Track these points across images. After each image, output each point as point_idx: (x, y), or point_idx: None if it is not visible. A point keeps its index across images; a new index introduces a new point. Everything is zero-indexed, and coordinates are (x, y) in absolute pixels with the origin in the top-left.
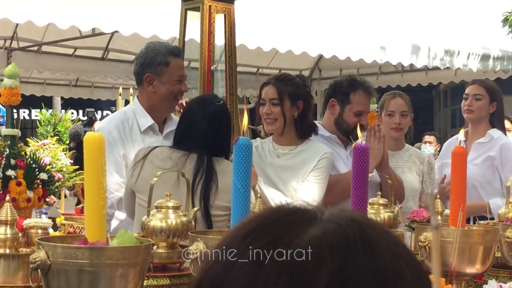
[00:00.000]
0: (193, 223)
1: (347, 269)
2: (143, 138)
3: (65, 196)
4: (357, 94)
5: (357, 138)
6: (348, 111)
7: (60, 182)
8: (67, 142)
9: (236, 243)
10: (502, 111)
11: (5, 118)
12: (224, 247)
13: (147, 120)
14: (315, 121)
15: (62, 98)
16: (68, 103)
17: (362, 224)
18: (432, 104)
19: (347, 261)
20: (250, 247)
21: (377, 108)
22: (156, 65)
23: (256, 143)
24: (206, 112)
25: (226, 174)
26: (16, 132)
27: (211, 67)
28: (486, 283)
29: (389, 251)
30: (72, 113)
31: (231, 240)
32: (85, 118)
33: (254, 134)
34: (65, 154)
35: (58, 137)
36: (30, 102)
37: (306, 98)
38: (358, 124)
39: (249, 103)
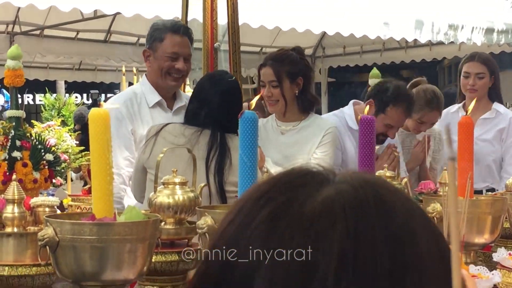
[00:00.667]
0: (200, 199)
1: (360, 228)
2: (151, 114)
3: (72, 180)
4: (395, 109)
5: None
6: (380, 120)
7: (66, 164)
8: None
9: (250, 205)
10: (499, 84)
11: (9, 103)
12: (238, 210)
13: (154, 96)
14: (343, 109)
15: (65, 82)
16: (71, 87)
17: (375, 184)
18: (437, 80)
19: (360, 220)
20: (264, 208)
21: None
22: (152, 41)
23: (260, 122)
24: (218, 88)
25: (235, 149)
26: (21, 113)
27: (215, 44)
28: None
29: (403, 211)
30: (76, 97)
31: (245, 203)
32: (89, 101)
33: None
34: (70, 135)
35: (62, 120)
36: (34, 87)
37: (305, 73)
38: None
39: (253, 83)
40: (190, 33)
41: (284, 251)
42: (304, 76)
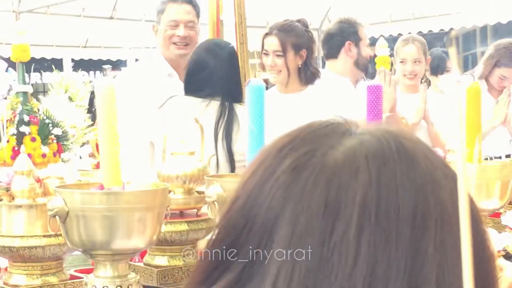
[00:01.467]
0: (208, 168)
1: (383, 176)
2: (164, 85)
3: (80, 157)
4: (361, 29)
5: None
6: (363, 46)
7: (75, 139)
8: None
9: (272, 157)
10: None
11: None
12: (260, 161)
13: (165, 68)
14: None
15: (72, 60)
16: (78, 65)
17: (398, 135)
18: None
19: (383, 169)
20: (286, 159)
21: (390, 52)
22: (157, 13)
23: None
24: (224, 56)
25: (242, 118)
26: (29, 88)
27: (220, 17)
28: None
29: (426, 161)
30: (83, 75)
31: (266, 155)
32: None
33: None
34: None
35: (70, 98)
36: (41, 65)
37: (309, 46)
38: None
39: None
40: (193, 1)
41: (307, 199)
42: (307, 48)
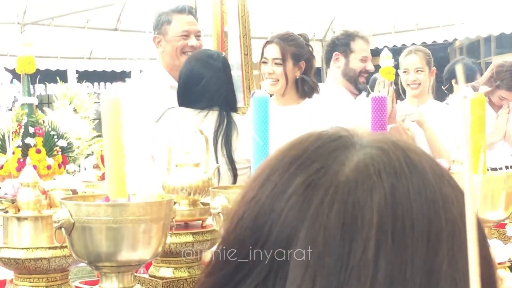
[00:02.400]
0: (213, 180)
1: (397, 194)
2: (165, 98)
3: (85, 169)
4: (357, 42)
5: (360, 84)
6: (354, 59)
7: (79, 150)
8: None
9: (280, 172)
10: None
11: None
12: (267, 176)
13: (167, 80)
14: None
15: (77, 71)
16: (83, 76)
17: (404, 148)
18: (448, 62)
19: (397, 186)
20: (297, 176)
21: (394, 62)
22: (160, 25)
23: None
24: (218, 67)
25: (245, 127)
26: (33, 100)
27: (224, 28)
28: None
29: (434, 175)
30: (88, 86)
31: (272, 170)
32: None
33: None
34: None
35: (74, 110)
36: (45, 77)
37: (309, 58)
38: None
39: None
40: (194, 13)
41: (323, 220)
42: (307, 61)
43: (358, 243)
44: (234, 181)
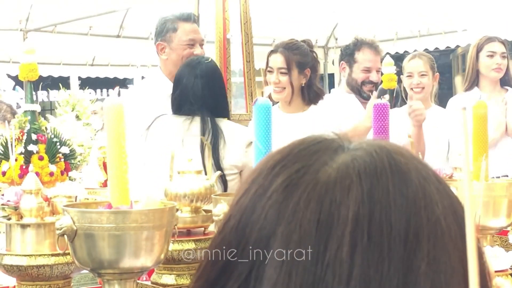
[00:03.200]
0: (215, 187)
1: (376, 193)
2: (166, 104)
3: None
4: (361, 52)
5: (365, 92)
6: (356, 69)
7: (82, 157)
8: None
9: (265, 174)
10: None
11: (24, 99)
12: (252, 179)
13: (167, 87)
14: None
15: (79, 78)
16: (85, 83)
17: (391, 151)
18: (451, 68)
19: (376, 186)
20: (278, 176)
21: (396, 70)
22: (165, 32)
23: None
24: (197, 72)
25: (231, 132)
26: (36, 107)
27: (227, 35)
28: None
29: (419, 176)
30: (90, 93)
31: (259, 173)
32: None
33: None
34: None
35: (77, 116)
36: (48, 83)
37: (313, 65)
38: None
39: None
40: (198, 21)
41: (299, 218)
42: (312, 68)
43: (333, 240)
44: (225, 189)
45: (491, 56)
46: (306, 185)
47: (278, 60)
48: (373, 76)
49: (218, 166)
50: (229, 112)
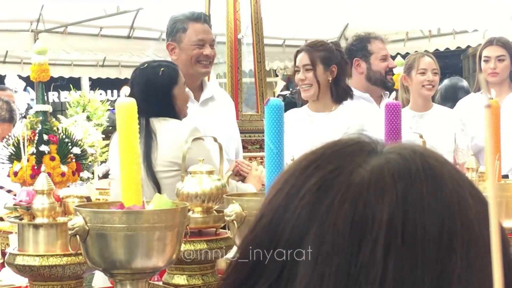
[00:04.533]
0: (227, 187)
1: (410, 196)
2: None
3: (99, 177)
4: (373, 43)
5: (393, 83)
6: (375, 60)
7: (93, 157)
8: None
9: (298, 174)
10: None
11: (35, 100)
12: (285, 179)
13: None
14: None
15: (90, 79)
16: (96, 84)
17: (424, 155)
18: (461, 69)
19: (410, 189)
20: (312, 177)
21: (404, 70)
22: (175, 33)
23: (291, 112)
24: (135, 79)
25: (164, 131)
26: (48, 107)
27: (238, 35)
28: None
29: (452, 181)
30: (101, 94)
31: (291, 173)
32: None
33: (292, 104)
34: (96, 129)
35: (88, 117)
36: (59, 84)
37: (340, 63)
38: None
39: (277, 75)
40: (209, 21)
41: (333, 219)
42: (338, 65)
43: (367, 242)
44: (159, 190)
45: (486, 61)
46: (340, 186)
47: (302, 58)
48: (392, 63)
49: (151, 170)
50: (175, 111)
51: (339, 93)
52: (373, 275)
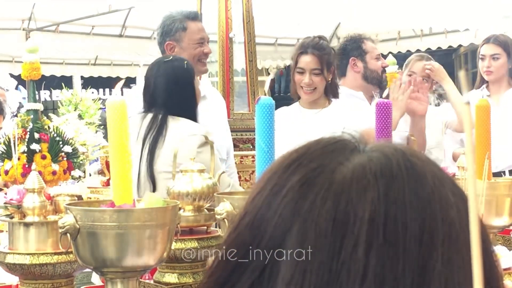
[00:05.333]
0: (218, 185)
1: (392, 194)
2: None
3: (90, 175)
4: (366, 43)
5: (385, 80)
6: (370, 59)
7: (84, 156)
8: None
9: (280, 172)
10: None
11: (26, 99)
12: (268, 177)
13: None
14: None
15: (81, 77)
16: (88, 82)
17: (406, 153)
18: (453, 68)
19: (392, 186)
20: (294, 175)
21: (398, 69)
22: (174, 31)
23: (283, 110)
24: (159, 71)
25: (176, 130)
26: (39, 106)
27: (230, 34)
28: None
29: (434, 179)
30: (93, 92)
31: (274, 171)
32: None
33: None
34: (88, 128)
35: (80, 116)
36: (51, 83)
37: (334, 61)
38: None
39: (269, 74)
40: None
41: (315, 216)
42: (335, 66)
43: (349, 239)
44: (154, 189)
45: (482, 59)
46: (322, 184)
47: (311, 61)
48: (385, 62)
49: (150, 167)
50: (194, 112)
51: (333, 91)
52: (354, 272)
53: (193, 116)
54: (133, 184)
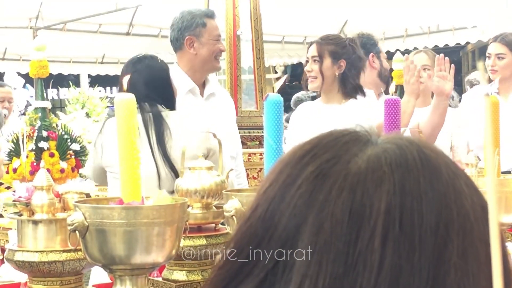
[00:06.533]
0: (227, 182)
1: (407, 185)
2: (183, 101)
3: None
4: (379, 43)
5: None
6: (383, 58)
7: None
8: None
9: (293, 164)
10: None
11: (34, 97)
12: (280, 169)
13: (187, 83)
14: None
15: (89, 75)
16: (95, 81)
17: (420, 145)
18: (461, 65)
19: (407, 178)
20: (308, 166)
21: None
22: (194, 27)
23: (305, 105)
24: (136, 67)
25: (180, 122)
26: (47, 104)
27: (237, 32)
28: None
29: (448, 171)
30: (100, 90)
31: (286, 163)
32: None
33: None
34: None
35: (87, 114)
36: (58, 81)
37: (350, 58)
38: None
39: (276, 72)
40: None
41: (331, 207)
42: (347, 60)
43: (365, 230)
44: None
45: (488, 57)
46: (338, 175)
47: (312, 49)
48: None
49: (166, 156)
50: (174, 104)
51: (347, 88)
52: (371, 263)
53: (173, 108)
54: (152, 181)
